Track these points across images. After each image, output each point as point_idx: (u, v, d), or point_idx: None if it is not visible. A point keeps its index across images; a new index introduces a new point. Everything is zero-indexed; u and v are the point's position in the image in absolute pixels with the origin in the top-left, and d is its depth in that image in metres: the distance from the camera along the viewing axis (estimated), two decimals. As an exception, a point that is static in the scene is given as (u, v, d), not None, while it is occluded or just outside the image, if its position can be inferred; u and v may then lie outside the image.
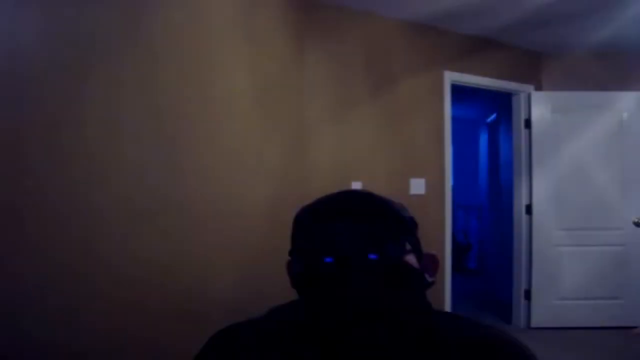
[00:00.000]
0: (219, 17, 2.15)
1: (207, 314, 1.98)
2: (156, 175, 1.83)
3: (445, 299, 3.42)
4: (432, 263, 0.72)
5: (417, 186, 3.30)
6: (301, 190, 2.77)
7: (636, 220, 3.68)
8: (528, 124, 3.84)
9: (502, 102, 4.25)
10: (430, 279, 0.71)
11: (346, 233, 0.64)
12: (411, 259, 0.67)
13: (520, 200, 3.88)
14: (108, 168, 1.67)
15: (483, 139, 5.64)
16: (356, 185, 3.02)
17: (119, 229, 1.70)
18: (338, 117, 3.00)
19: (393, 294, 0.62)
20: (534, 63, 3.95)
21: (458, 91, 3.61)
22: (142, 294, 1.75)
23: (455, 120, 3.73)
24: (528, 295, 3.82)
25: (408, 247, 0.67)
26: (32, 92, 1.46)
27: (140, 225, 1.77)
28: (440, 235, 3.40)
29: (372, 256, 0.62)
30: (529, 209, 3.83)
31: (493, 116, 4.89)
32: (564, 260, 3.75)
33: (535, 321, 3.77)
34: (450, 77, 3.45)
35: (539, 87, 3.93)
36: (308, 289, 0.65)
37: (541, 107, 3.80)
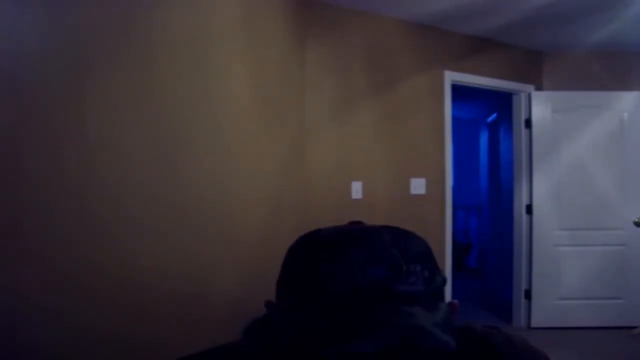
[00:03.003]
0: (218, 17, 2.14)
1: (208, 315, 1.99)
2: (156, 179, 1.83)
3: (446, 298, 3.42)
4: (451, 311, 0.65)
5: (418, 186, 3.30)
6: (302, 190, 2.77)
7: (637, 220, 3.68)
8: (528, 123, 3.84)
9: (502, 102, 4.25)
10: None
11: (362, 326, 0.56)
12: None
13: (520, 200, 3.88)
14: (107, 172, 1.67)
15: (483, 139, 5.63)
16: (356, 185, 3.02)
17: (119, 233, 1.70)
18: (338, 117, 3.00)
19: None
20: (535, 63, 3.95)
21: (458, 91, 3.62)
22: (143, 296, 1.75)
23: (455, 120, 3.73)
24: (528, 295, 3.82)
25: None
26: (30, 95, 1.46)
27: (139, 228, 1.77)
28: (441, 235, 3.40)
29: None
30: (529, 209, 3.83)
31: (493, 116, 4.89)
32: (564, 260, 3.75)
33: (536, 321, 3.77)
34: (451, 77, 3.45)
35: (539, 87, 3.93)
36: None
37: (541, 107, 3.80)
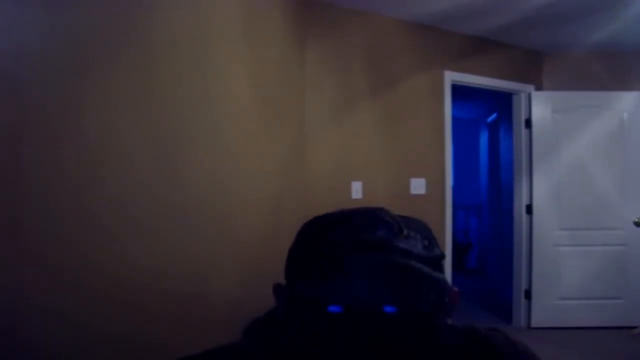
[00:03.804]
0: (218, 17, 2.14)
1: (208, 315, 1.99)
2: (156, 179, 1.83)
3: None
4: (452, 299, 0.65)
5: (418, 186, 3.30)
6: (302, 190, 2.77)
7: (637, 220, 3.68)
8: (528, 123, 3.84)
9: (502, 102, 4.25)
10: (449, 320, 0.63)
11: (362, 275, 0.54)
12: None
13: (520, 200, 3.88)
14: (107, 173, 1.67)
15: (483, 139, 5.64)
16: (356, 185, 3.02)
17: (119, 233, 1.70)
18: (338, 117, 3.00)
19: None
20: (535, 63, 3.95)
21: (458, 91, 3.62)
22: (143, 296, 1.75)
23: (455, 120, 3.73)
24: (528, 295, 3.82)
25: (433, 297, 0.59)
26: (30, 95, 1.46)
27: (139, 228, 1.77)
28: (441, 235, 3.40)
29: (388, 309, 0.54)
30: (529, 209, 3.83)
31: (493, 116, 4.89)
32: (564, 260, 3.75)
33: (536, 321, 3.77)
34: (451, 77, 3.45)
35: (539, 87, 3.93)
36: (304, 343, 0.56)
37: (541, 107, 3.80)
